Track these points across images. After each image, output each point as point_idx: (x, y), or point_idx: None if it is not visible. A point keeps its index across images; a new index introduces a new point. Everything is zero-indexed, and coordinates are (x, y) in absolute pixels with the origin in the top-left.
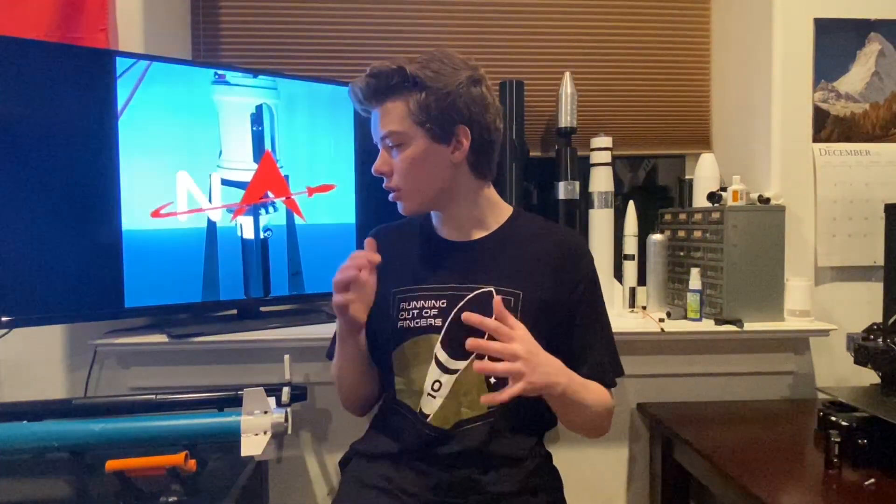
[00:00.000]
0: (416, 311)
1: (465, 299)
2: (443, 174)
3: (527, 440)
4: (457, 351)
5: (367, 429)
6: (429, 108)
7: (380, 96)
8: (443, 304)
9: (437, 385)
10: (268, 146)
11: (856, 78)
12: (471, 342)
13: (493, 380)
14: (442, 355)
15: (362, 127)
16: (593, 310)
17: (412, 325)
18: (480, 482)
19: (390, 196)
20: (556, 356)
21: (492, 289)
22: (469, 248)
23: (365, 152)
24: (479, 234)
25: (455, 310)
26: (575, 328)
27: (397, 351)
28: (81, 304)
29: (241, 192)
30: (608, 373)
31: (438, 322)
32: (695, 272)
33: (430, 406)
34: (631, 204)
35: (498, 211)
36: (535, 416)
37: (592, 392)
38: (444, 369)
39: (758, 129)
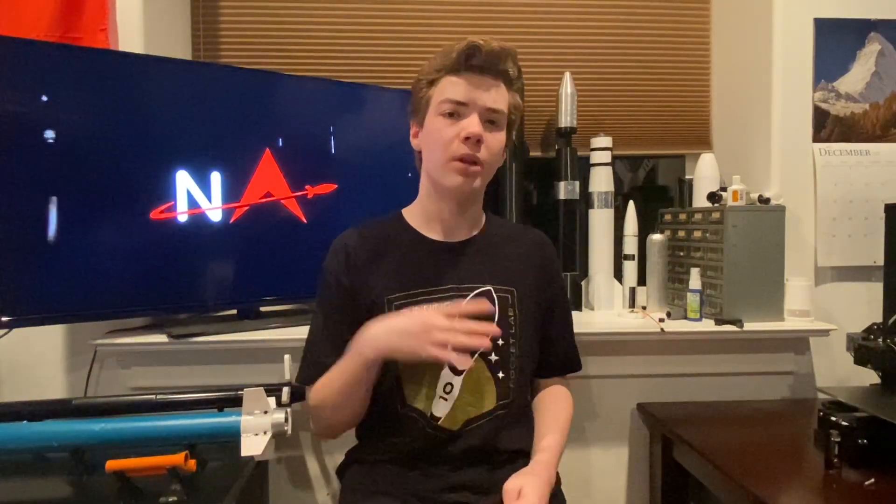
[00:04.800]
0: None
1: (468, 299)
2: (495, 170)
3: (528, 433)
4: (464, 351)
5: (361, 437)
6: (515, 113)
7: (503, 74)
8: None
9: (448, 387)
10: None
11: (856, 78)
12: None
13: (500, 374)
14: (453, 357)
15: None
16: (565, 303)
17: None
18: (489, 480)
19: (456, 164)
20: (537, 344)
21: (490, 287)
22: (461, 248)
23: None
24: (466, 235)
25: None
26: (553, 321)
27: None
28: (81, 304)
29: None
30: (577, 359)
31: None
32: (695, 272)
33: (441, 408)
34: (631, 204)
35: (480, 213)
36: (529, 409)
37: (563, 434)
38: (455, 371)
39: (758, 129)
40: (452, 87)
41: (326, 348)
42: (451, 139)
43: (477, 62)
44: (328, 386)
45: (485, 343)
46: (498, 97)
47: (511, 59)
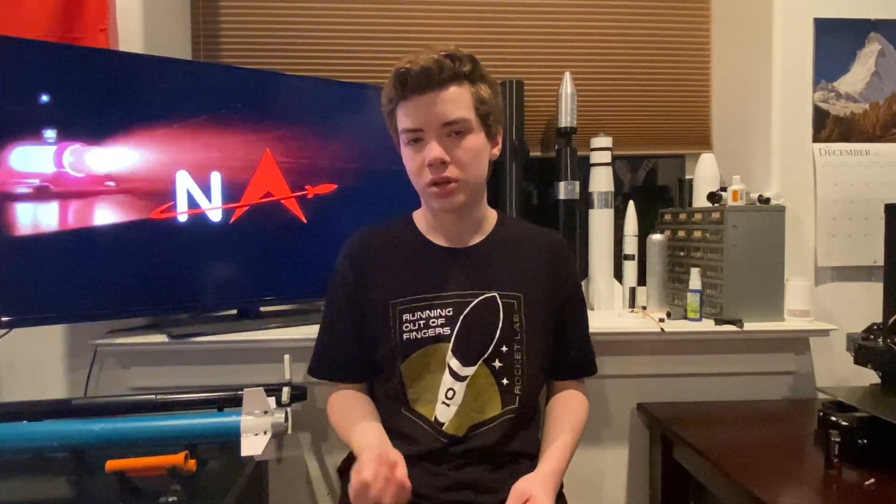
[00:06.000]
0: (422, 322)
1: (471, 306)
2: (486, 171)
3: (532, 435)
4: (467, 358)
5: None
6: (489, 101)
7: (448, 80)
8: (449, 312)
9: (450, 393)
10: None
11: (856, 78)
12: None
13: (504, 381)
14: (454, 363)
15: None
16: (580, 306)
17: (420, 336)
18: (492, 480)
19: (432, 189)
20: (549, 350)
21: (495, 294)
22: (467, 254)
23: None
24: (474, 240)
25: (462, 317)
26: (566, 323)
27: (406, 363)
28: (81, 304)
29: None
30: (591, 362)
31: (447, 331)
32: (695, 272)
33: (446, 414)
34: (631, 204)
35: (490, 214)
36: (537, 412)
37: (574, 440)
38: (457, 377)
39: (758, 129)
40: (405, 117)
41: (332, 346)
42: (420, 168)
43: (413, 84)
44: (338, 422)
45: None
46: (452, 107)
47: (453, 60)
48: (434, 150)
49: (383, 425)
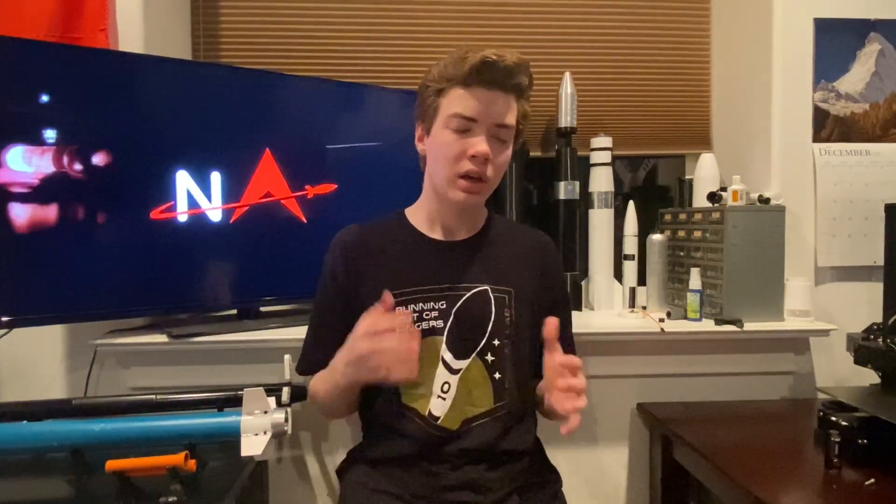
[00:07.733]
0: (415, 315)
1: (464, 299)
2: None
3: (528, 433)
4: (459, 350)
5: (363, 436)
6: (527, 119)
7: (515, 88)
8: (442, 305)
9: (446, 386)
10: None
11: (856, 78)
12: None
13: (497, 375)
14: (448, 356)
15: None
16: (566, 303)
17: None
18: (489, 479)
19: (462, 181)
20: (536, 345)
21: (487, 287)
22: (459, 247)
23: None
24: (465, 235)
25: (455, 310)
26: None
27: None
28: (81, 304)
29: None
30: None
31: (440, 323)
32: (695, 272)
33: (440, 408)
34: (631, 204)
35: (482, 212)
36: (531, 408)
37: None
38: (451, 370)
39: (758, 129)
40: (462, 102)
41: (320, 343)
42: (459, 156)
43: (489, 77)
44: (320, 386)
45: (413, 348)
46: (508, 112)
47: (525, 72)
48: (484, 144)
49: (374, 421)
